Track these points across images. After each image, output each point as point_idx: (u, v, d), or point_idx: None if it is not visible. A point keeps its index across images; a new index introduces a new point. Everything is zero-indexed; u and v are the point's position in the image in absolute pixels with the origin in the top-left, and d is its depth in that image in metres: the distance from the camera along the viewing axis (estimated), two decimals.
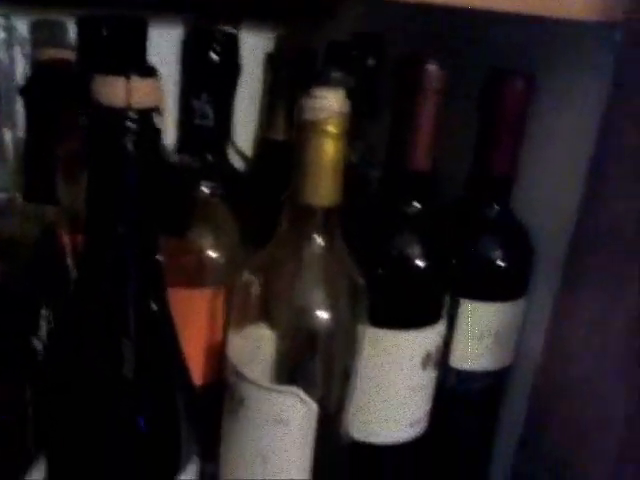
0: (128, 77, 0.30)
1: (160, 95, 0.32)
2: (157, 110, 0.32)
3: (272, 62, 0.55)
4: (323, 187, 0.38)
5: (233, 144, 0.59)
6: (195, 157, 0.45)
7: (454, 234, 0.49)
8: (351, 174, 0.47)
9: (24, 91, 0.43)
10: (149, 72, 0.33)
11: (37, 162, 0.42)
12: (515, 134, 0.48)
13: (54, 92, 0.44)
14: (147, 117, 0.31)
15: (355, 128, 0.53)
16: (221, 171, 0.47)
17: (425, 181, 0.44)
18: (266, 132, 0.56)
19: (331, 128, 0.36)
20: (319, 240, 0.39)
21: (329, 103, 0.36)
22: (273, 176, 0.47)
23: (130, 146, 0.31)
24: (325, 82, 0.37)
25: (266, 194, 0.50)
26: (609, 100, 0.45)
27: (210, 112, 0.43)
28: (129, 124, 0.31)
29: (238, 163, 0.59)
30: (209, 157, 0.45)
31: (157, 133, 0.32)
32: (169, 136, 0.44)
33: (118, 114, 0.30)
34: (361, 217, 0.46)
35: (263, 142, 0.57)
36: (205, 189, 0.45)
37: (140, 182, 0.32)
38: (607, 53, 0.45)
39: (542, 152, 0.50)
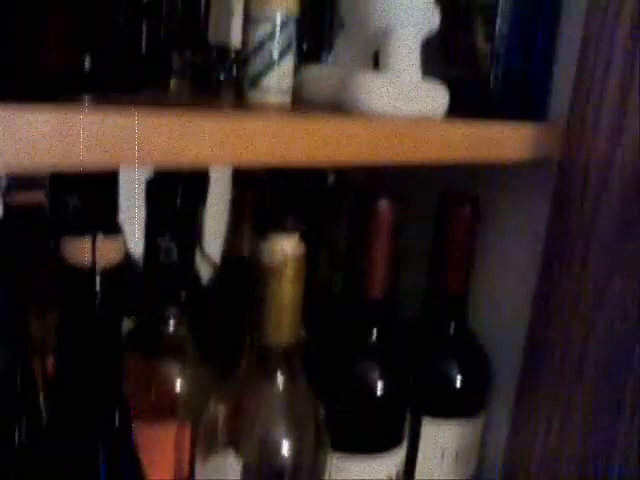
0: (94, 237, 0.33)
1: (125, 249, 0.35)
2: (122, 264, 0.34)
3: (236, 181, 0.56)
4: (282, 326, 0.39)
5: (202, 252, 0.60)
6: (161, 290, 0.46)
7: (413, 354, 0.50)
8: (316, 281, 0.48)
9: None
10: (114, 229, 0.35)
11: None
12: (465, 254, 0.50)
13: (25, 234, 0.46)
14: (112, 273, 0.33)
15: (320, 237, 0.55)
16: (187, 297, 0.47)
17: (381, 307, 0.46)
18: (231, 249, 0.57)
19: (287, 272, 0.38)
20: (280, 375, 0.40)
21: (284, 249, 0.38)
22: (238, 293, 0.48)
23: (96, 301, 0.33)
24: (280, 228, 0.38)
25: (231, 312, 0.51)
26: (549, 224, 0.48)
27: (174, 249, 0.44)
28: (94, 282, 0.33)
29: (206, 271, 0.61)
30: (175, 288, 0.46)
31: (122, 283, 0.35)
32: None
33: (84, 273, 0.32)
34: (322, 343, 0.48)
35: (228, 258, 0.58)
36: (171, 322, 0.46)
37: (105, 328, 0.34)
38: (544, 182, 0.48)
39: (493, 270, 0.53)
